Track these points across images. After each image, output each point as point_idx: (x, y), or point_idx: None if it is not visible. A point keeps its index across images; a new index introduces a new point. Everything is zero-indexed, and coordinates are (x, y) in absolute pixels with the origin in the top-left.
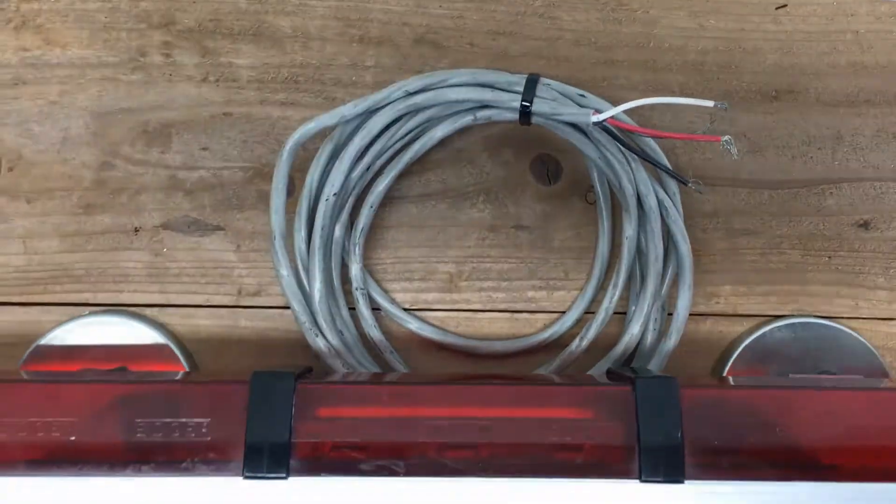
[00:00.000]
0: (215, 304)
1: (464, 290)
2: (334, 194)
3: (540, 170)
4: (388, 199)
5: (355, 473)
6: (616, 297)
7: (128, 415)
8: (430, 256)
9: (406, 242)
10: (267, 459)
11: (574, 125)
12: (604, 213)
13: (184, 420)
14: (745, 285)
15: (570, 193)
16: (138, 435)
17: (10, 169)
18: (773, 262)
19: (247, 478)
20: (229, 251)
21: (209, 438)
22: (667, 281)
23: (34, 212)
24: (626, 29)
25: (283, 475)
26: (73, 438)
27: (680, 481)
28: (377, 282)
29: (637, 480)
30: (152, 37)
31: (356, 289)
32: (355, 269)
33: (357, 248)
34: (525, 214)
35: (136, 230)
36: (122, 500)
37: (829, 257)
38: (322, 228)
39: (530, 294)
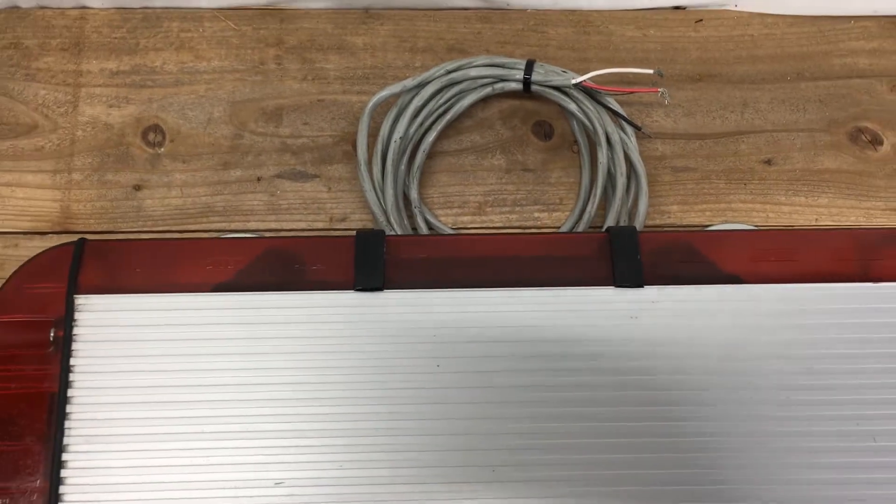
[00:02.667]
0: (314, 228)
1: (488, 214)
2: (399, 138)
3: (538, 131)
4: (433, 153)
5: (423, 287)
6: (596, 203)
7: (279, 253)
8: (464, 191)
9: (447, 182)
10: (368, 277)
11: (559, 88)
12: (584, 154)
13: (316, 256)
14: (687, 205)
15: (560, 146)
16: (287, 266)
17: (172, 140)
18: (706, 188)
19: (356, 290)
20: (323, 192)
21: (333, 267)
22: (630, 194)
23: (188, 168)
24: (593, 38)
25: (379, 288)
26: (241, 269)
27: (641, 286)
28: (428, 208)
29: (613, 287)
30: (268, 52)
31: (415, 208)
32: (414, 195)
33: (415, 180)
34: (530, 161)
35: (259, 179)
36: (275, 310)
37: (745, 184)
38: (392, 161)
39: (536, 215)
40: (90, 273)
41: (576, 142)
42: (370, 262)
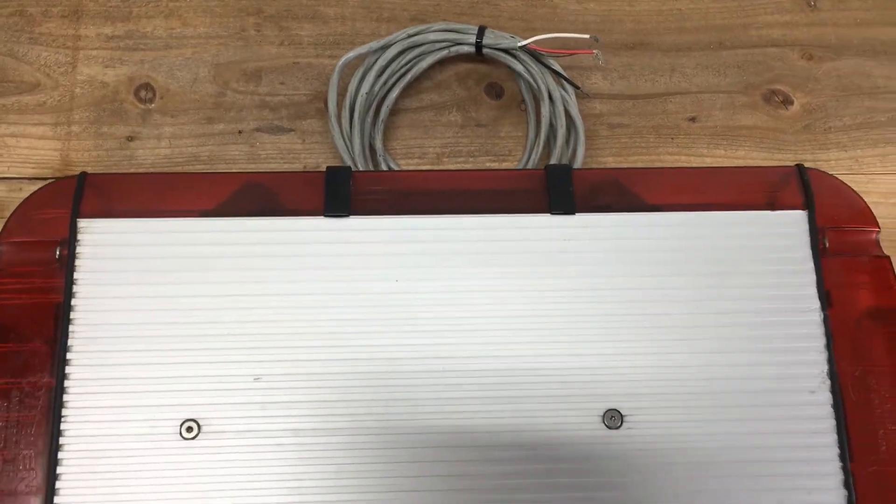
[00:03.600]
0: None
1: (445, 164)
2: (365, 94)
3: (490, 91)
4: (396, 110)
5: (384, 214)
6: (539, 152)
7: (258, 186)
8: (424, 143)
9: (409, 136)
10: (337, 205)
11: (507, 51)
12: (530, 112)
13: (291, 188)
14: (622, 157)
15: (509, 105)
16: (265, 196)
17: (161, 97)
18: (638, 142)
19: (326, 216)
20: (297, 143)
21: (306, 198)
22: (570, 145)
23: (177, 122)
24: (540, 10)
25: (346, 214)
26: (225, 200)
27: (573, 213)
28: (392, 157)
29: (549, 214)
30: (248, 20)
31: (379, 157)
32: (378, 145)
33: (379, 132)
34: (482, 117)
35: (240, 132)
36: (254, 232)
37: (673, 138)
38: (359, 115)
39: (487, 164)
40: (91, 201)
41: (523, 101)
42: (338, 192)
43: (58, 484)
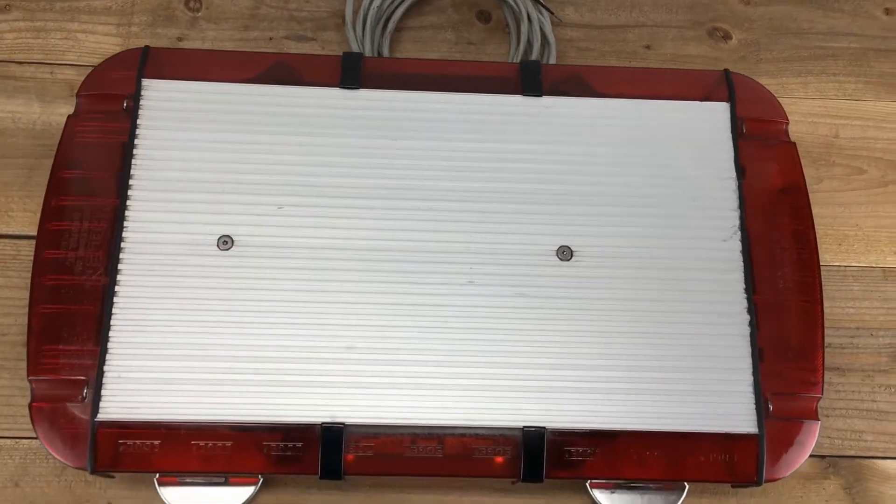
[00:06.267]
0: None
1: None
2: (376, 7)
3: (480, 16)
4: (401, 28)
5: (390, 89)
6: (519, 59)
7: (286, 64)
8: (423, 56)
9: (411, 49)
10: (350, 80)
11: None
12: (512, 34)
13: (313, 66)
14: None
15: (496, 27)
16: (292, 71)
17: (207, 7)
18: (602, 63)
19: (342, 87)
20: (318, 51)
21: (325, 74)
22: (543, 60)
23: (218, 28)
24: None
25: (357, 87)
26: (260, 72)
27: (541, 96)
28: None
29: (522, 95)
30: None
31: None
32: (386, 53)
33: (387, 42)
34: (473, 37)
35: (270, 39)
36: (282, 97)
37: (630, 62)
38: (370, 26)
39: None
40: (152, 66)
41: (507, 25)
42: (352, 69)
43: (119, 277)
